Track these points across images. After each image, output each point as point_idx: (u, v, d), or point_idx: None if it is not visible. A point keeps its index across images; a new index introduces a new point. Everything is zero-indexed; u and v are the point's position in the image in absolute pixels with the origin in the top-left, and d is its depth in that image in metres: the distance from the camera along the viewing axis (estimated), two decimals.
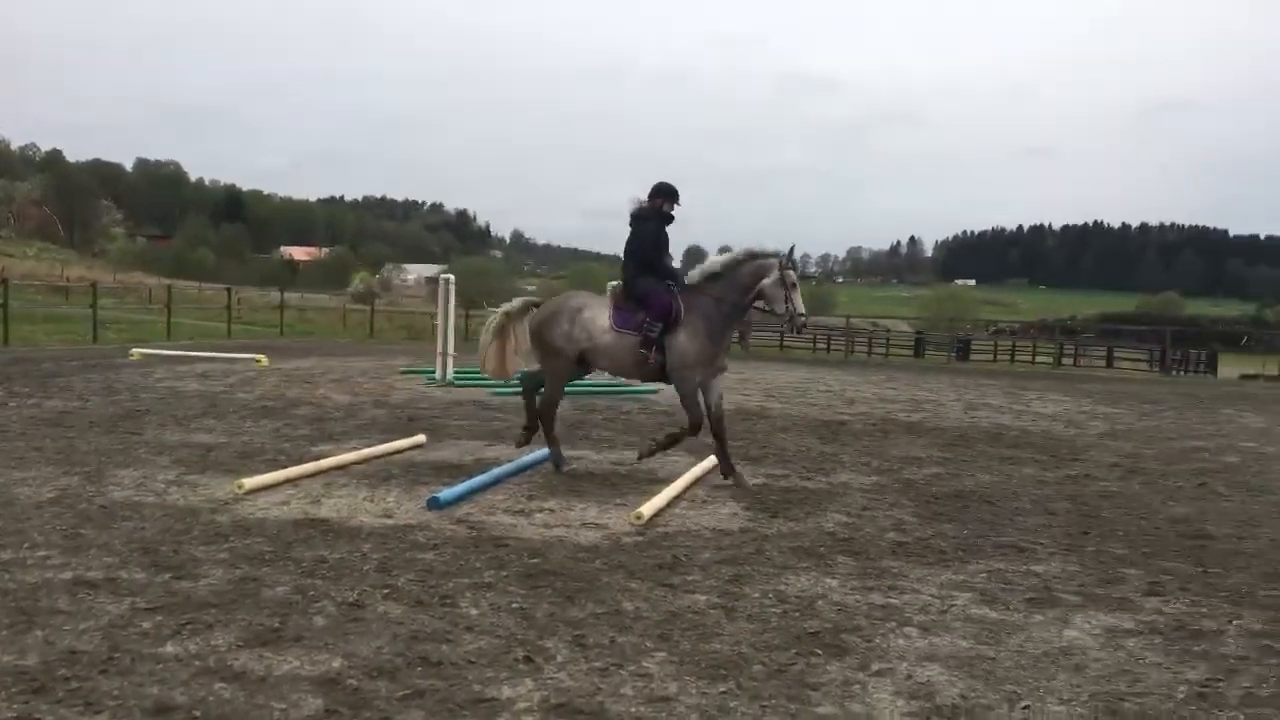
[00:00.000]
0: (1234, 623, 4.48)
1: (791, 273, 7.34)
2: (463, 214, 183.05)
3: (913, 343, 38.52)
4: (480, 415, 10.56)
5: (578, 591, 4.50)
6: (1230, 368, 32.78)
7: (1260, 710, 3.47)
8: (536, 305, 8.05)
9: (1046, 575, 5.18)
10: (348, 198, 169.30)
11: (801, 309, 7.34)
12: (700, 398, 7.47)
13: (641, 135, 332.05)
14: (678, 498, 6.62)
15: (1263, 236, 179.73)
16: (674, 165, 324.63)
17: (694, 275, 7.49)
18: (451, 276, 14.73)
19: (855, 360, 29.86)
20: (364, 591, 4.41)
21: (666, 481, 6.97)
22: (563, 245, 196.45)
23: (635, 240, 7.59)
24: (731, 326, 7.68)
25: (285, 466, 7.03)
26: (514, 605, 4.28)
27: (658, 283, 7.42)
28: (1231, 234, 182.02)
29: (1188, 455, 10.01)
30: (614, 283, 8.11)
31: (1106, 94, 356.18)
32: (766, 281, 7.33)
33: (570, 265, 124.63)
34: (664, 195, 7.63)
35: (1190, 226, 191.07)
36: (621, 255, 7.81)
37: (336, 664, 3.58)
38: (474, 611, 4.19)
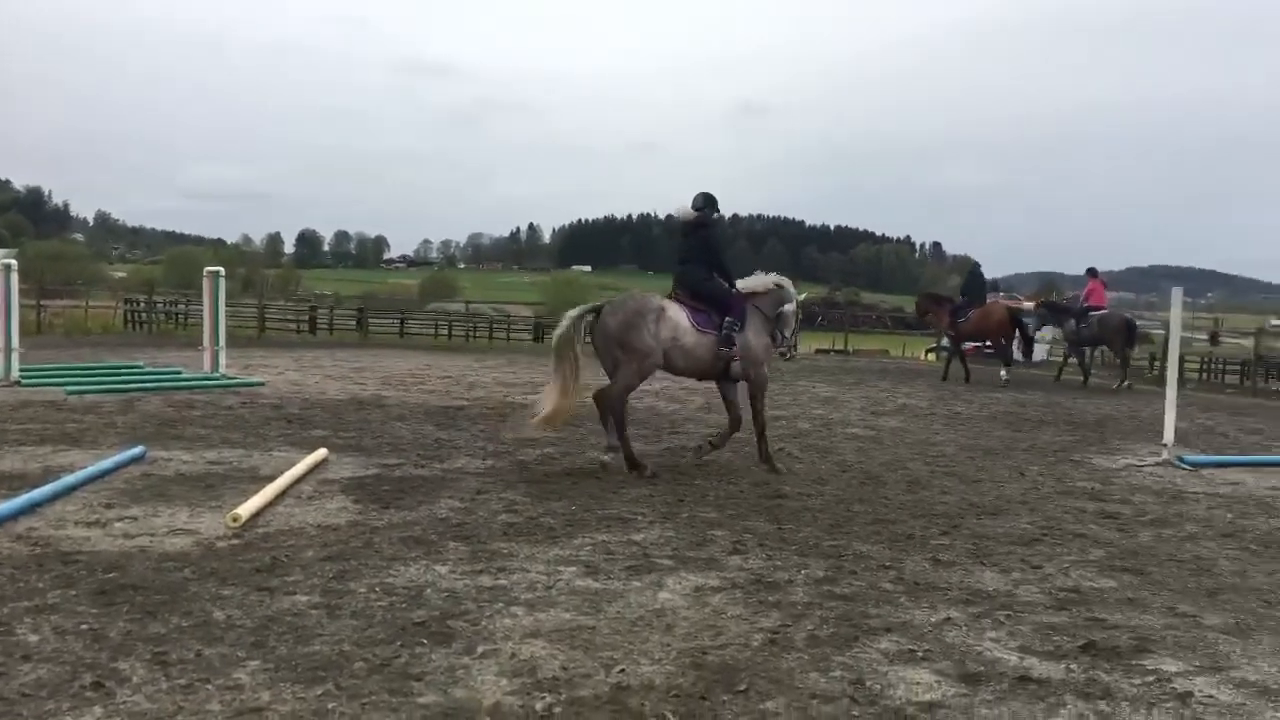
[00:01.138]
0: (802, 572, 5.00)
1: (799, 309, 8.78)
2: (35, 192, 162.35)
3: (532, 327, 39.40)
4: (51, 418, 9.40)
5: (160, 605, 4.12)
6: (807, 344, 36.67)
7: (821, 650, 3.89)
8: (596, 310, 7.85)
9: (645, 543, 5.49)
10: None
11: (797, 339, 9.11)
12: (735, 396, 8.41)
13: (245, 113, 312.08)
14: (281, 495, 6.29)
15: (833, 227, 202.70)
16: (282, 145, 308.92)
17: (745, 285, 8.33)
18: (13, 261, 12.95)
19: (477, 346, 30.00)
20: None
21: (269, 479, 6.59)
22: (157, 228, 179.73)
23: (705, 245, 8.23)
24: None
25: None
26: (83, 627, 3.84)
27: (724, 286, 8.15)
28: (807, 224, 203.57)
29: (769, 423, 11.01)
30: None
31: (703, 95, 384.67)
32: (789, 307, 8.58)
33: (166, 249, 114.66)
34: (712, 205, 8.34)
35: (774, 217, 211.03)
36: (683, 262, 8.32)
37: None
38: (34, 638, 3.71)
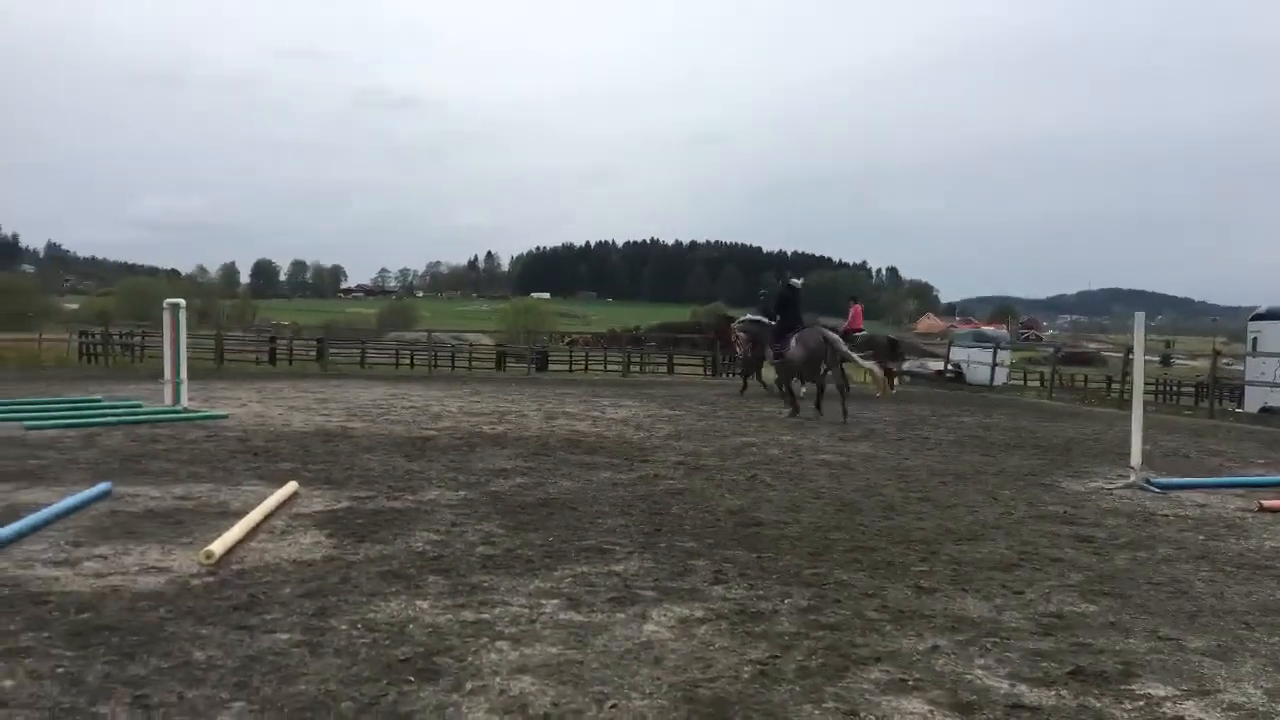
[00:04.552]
0: (785, 601, 4.98)
1: None
2: None
3: (494, 355, 39.26)
4: (11, 454, 9.19)
5: (138, 646, 4.02)
6: (770, 369, 36.81)
7: (812, 680, 3.86)
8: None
9: (626, 574, 5.45)
10: None
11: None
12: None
13: (201, 144, 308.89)
14: (254, 530, 6.18)
15: (789, 253, 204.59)
16: (243, 175, 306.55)
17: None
18: None
19: (439, 374, 29.82)
20: None
21: (240, 514, 6.48)
22: (111, 259, 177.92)
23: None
24: None
25: None
26: (59, 670, 3.73)
27: None
28: (764, 250, 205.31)
29: (740, 451, 11.06)
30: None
31: (656, 125, 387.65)
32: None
33: (119, 280, 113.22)
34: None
35: (731, 243, 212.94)
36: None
37: None
38: (8, 683, 3.60)
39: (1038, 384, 32.85)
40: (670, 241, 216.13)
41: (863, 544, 6.36)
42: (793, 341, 15.09)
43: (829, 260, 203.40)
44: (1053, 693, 3.78)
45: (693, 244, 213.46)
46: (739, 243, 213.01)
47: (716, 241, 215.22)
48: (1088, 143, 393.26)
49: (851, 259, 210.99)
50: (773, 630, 4.50)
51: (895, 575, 5.57)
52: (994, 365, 27.97)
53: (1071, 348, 66.13)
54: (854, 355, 15.76)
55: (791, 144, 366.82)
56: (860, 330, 22.20)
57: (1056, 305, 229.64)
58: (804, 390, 16.35)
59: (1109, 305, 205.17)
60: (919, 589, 5.28)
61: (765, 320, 18.92)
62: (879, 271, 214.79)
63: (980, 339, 34.55)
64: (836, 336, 15.49)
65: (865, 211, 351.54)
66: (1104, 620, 4.79)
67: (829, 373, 15.39)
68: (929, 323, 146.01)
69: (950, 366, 30.08)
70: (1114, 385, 30.67)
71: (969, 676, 3.94)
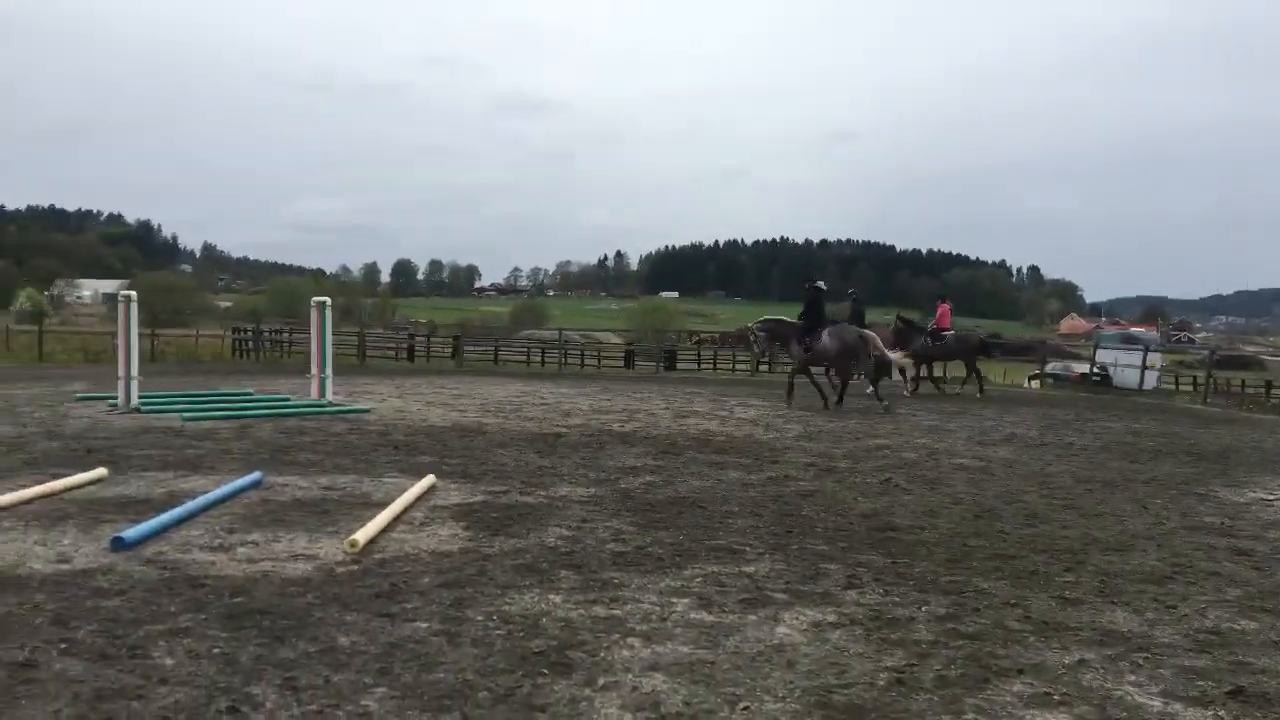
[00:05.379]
0: (923, 609, 4.85)
1: None
2: (146, 225, 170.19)
3: (623, 354, 39.59)
4: (171, 444, 9.72)
5: (287, 629, 4.20)
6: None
7: (951, 691, 3.76)
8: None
9: (757, 575, 5.40)
10: (8, 207, 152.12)
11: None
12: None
13: (350, 150, 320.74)
14: (395, 521, 6.38)
15: (924, 251, 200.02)
16: (384, 178, 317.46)
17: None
18: (133, 293, 13.50)
19: (569, 372, 30.21)
20: (37, 648, 3.89)
21: (382, 505, 6.70)
22: (261, 259, 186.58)
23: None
24: None
25: None
26: (215, 650, 3.93)
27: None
28: (898, 249, 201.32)
29: (872, 453, 10.85)
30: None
31: (786, 122, 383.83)
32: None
33: (271, 279, 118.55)
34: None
35: (863, 242, 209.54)
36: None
37: None
38: (169, 661, 3.80)
39: (1190, 388, 31.21)
40: (800, 240, 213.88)
41: (1003, 552, 6.16)
42: (825, 335, 16.30)
43: (966, 258, 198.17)
44: (1210, 713, 3.58)
45: (824, 242, 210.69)
46: (871, 240, 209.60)
47: (848, 240, 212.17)
48: (1243, 133, 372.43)
49: (990, 257, 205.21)
50: (909, 638, 4.40)
51: (1038, 585, 5.37)
52: (1143, 368, 26.75)
53: (1228, 350, 62.60)
54: (889, 354, 17.26)
55: (926, 140, 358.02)
56: (948, 329, 21.88)
57: (1211, 306, 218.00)
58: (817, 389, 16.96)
59: (1269, 306, 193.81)
60: (1064, 600, 5.07)
61: (787, 319, 18.44)
62: (1019, 270, 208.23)
63: (1128, 341, 33.14)
64: (873, 335, 16.95)
65: (1005, 208, 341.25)
66: (1266, 638, 4.52)
67: (860, 370, 17.01)
68: (1072, 323, 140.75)
69: (1096, 369, 28.90)
70: (1275, 390, 28.93)
71: (1118, 692, 3.77)
